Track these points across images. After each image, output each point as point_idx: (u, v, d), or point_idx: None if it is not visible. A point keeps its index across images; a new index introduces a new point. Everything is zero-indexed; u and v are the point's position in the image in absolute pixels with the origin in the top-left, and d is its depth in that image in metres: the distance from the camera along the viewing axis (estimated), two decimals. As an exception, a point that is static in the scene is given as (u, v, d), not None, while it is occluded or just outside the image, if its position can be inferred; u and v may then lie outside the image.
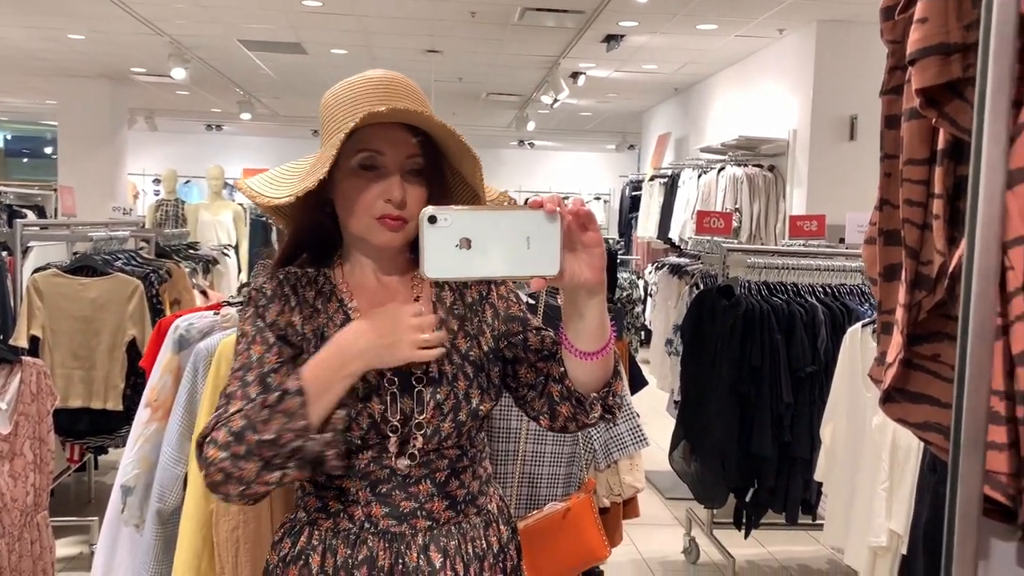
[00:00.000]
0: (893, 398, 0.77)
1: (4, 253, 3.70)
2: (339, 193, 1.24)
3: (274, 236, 7.16)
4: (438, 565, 1.23)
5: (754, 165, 6.57)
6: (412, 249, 1.32)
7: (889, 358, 0.76)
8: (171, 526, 1.76)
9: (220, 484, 1.13)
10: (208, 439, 1.15)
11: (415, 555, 1.23)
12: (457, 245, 0.98)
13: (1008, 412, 0.61)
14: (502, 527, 1.35)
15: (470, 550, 1.27)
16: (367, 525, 1.23)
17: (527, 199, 1.08)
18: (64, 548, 3.63)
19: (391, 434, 1.22)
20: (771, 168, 6.53)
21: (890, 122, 0.79)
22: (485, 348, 1.30)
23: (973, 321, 0.55)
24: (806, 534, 4.05)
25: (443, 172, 1.29)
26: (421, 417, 1.23)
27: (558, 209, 1.01)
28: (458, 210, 0.99)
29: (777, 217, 6.37)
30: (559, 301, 2.21)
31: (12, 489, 2.36)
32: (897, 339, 0.75)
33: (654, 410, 5.74)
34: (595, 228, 1.05)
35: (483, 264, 0.99)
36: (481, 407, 1.26)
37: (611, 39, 7.07)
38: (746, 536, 3.50)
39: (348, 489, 1.24)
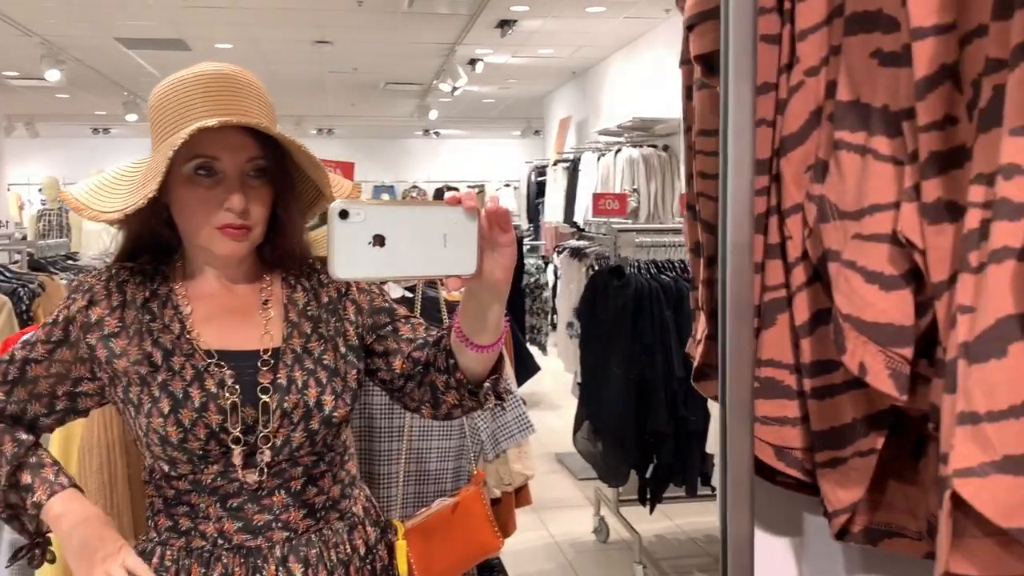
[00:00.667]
0: (705, 374, 0.75)
1: None
2: (175, 201, 1.17)
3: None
4: (299, 575, 1.18)
5: (649, 146, 6.64)
6: (258, 253, 1.26)
7: (696, 335, 0.74)
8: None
9: None
10: None
11: (273, 568, 1.18)
12: (370, 243, 0.90)
13: (798, 386, 0.59)
14: (368, 528, 1.31)
15: (333, 556, 1.23)
16: (220, 541, 1.18)
17: (442, 193, 1.01)
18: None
19: (233, 446, 1.16)
20: (665, 148, 6.62)
21: (687, 93, 0.77)
22: (343, 350, 1.25)
23: (730, 294, 0.53)
24: (711, 504, 4.13)
25: (288, 172, 1.22)
26: (267, 429, 1.17)
27: (477, 206, 0.96)
28: (371, 205, 0.91)
29: (674, 196, 6.46)
30: (437, 292, 2.16)
31: None
32: (701, 315, 0.73)
33: (566, 392, 5.77)
34: (511, 229, 1.00)
35: (397, 263, 0.92)
36: (335, 414, 1.21)
37: (504, 24, 7.05)
38: (651, 511, 3.54)
39: (198, 505, 1.18)
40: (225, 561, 1.17)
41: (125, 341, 1.18)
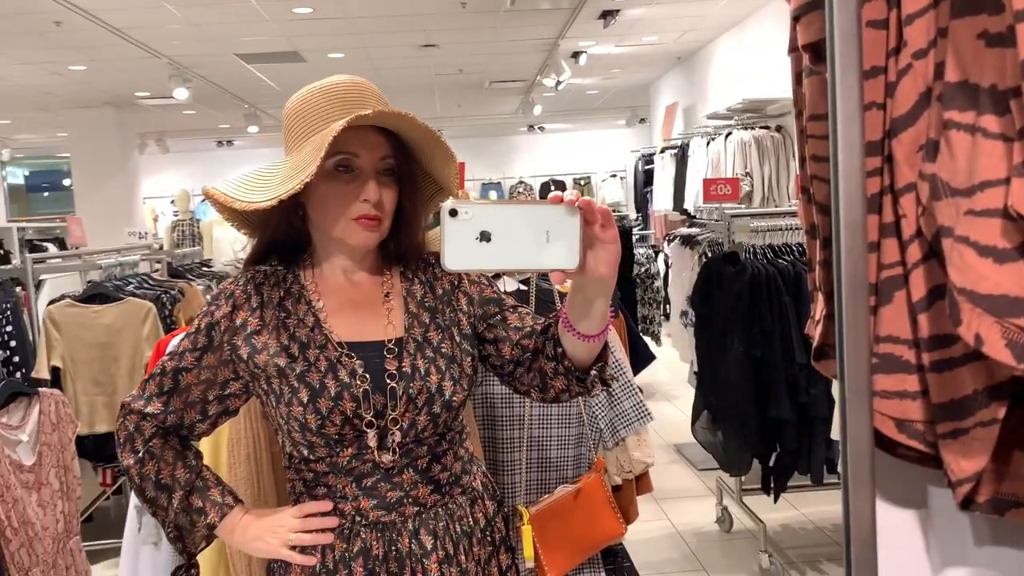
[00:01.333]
0: (825, 354, 0.76)
1: (18, 288, 3.78)
2: (314, 196, 1.27)
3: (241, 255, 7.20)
4: (429, 547, 1.28)
5: (761, 127, 6.49)
6: (382, 248, 1.36)
7: (815, 315, 0.76)
8: (184, 541, 1.79)
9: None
10: (125, 440, 1.34)
11: (407, 540, 1.27)
12: (477, 238, 0.99)
13: (917, 360, 0.60)
14: (488, 502, 1.39)
15: (458, 528, 1.32)
16: (358, 518, 1.28)
17: (548, 188, 1.08)
18: (107, 571, 3.72)
19: (367, 429, 1.25)
20: (778, 128, 6.45)
21: (798, 79, 0.78)
22: (458, 338, 1.34)
23: (845, 273, 0.55)
24: (837, 493, 4.02)
25: (413, 171, 1.32)
26: (395, 412, 1.26)
27: (578, 204, 1.01)
28: (478, 204, 1.00)
29: (788, 177, 6.29)
30: (551, 284, 2.21)
31: (42, 518, 2.42)
32: (819, 296, 0.74)
33: (682, 382, 5.73)
34: (613, 226, 1.06)
35: (503, 256, 1.00)
36: (454, 398, 1.29)
37: (607, 15, 7.02)
38: (775, 500, 3.49)
39: (335, 486, 1.29)
40: (364, 536, 1.27)
41: (265, 337, 1.29)
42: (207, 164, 14.80)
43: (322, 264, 1.35)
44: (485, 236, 0.98)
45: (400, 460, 1.28)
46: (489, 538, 1.37)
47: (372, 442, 1.26)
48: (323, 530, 1.28)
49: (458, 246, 0.99)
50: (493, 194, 14.44)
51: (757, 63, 7.27)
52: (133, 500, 1.90)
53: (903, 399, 0.61)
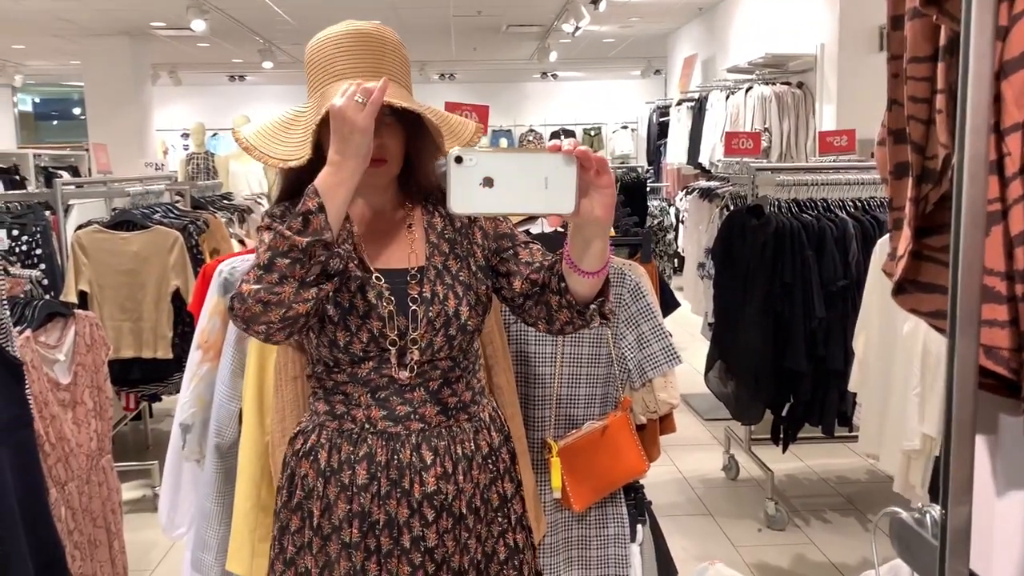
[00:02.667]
0: (905, 289, 0.80)
1: (47, 212, 3.81)
2: (328, 141, 1.31)
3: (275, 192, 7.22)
4: (428, 462, 1.38)
5: (782, 83, 6.45)
6: (399, 183, 1.45)
7: (900, 251, 0.79)
8: (230, 459, 1.86)
9: (260, 315, 1.22)
10: (238, 288, 1.25)
11: (408, 452, 1.37)
12: (480, 183, 1.07)
13: (1008, 292, 0.64)
14: (493, 433, 1.48)
15: (459, 450, 1.41)
16: (367, 426, 1.38)
17: (557, 137, 1.15)
18: (127, 492, 3.81)
19: (390, 347, 1.36)
20: (800, 85, 6.42)
21: (896, 23, 0.81)
22: (474, 268, 1.44)
23: (965, 202, 0.58)
24: (844, 446, 4.12)
25: (418, 118, 1.37)
26: (415, 333, 1.36)
27: (575, 153, 1.09)
28: (482, 151, 1.08)
29: (807, 135, 6.28)
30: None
31: (77, 435, 2.49)
32: (906, 232, 0.78)
33: (690, 335, 5.79)
34: (608, 173, 1.15)
35: (504, 201, 1.08)
36: (469, 322, 1.40)
37: (631, -39, 6.92)
38: (784, 450, 3.57)
39: (351, 394, 1.39)
40: (370, 442, 1.38)
41: None
42: (219, 98, 14.69)
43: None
44: (488, 182, 1.07)
45: (414, 378, 1.38)
46: (492, 465, 1.46)
47: (393, 359, 1.36)
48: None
49: (463, 191, 1.07)
50: (504, 141, 14.38)
51: (781, 18, 7.18)
52: (177, 418, 1.96)
53: (992, 327, 0.65)
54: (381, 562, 1.37)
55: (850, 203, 3.37)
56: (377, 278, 1.38)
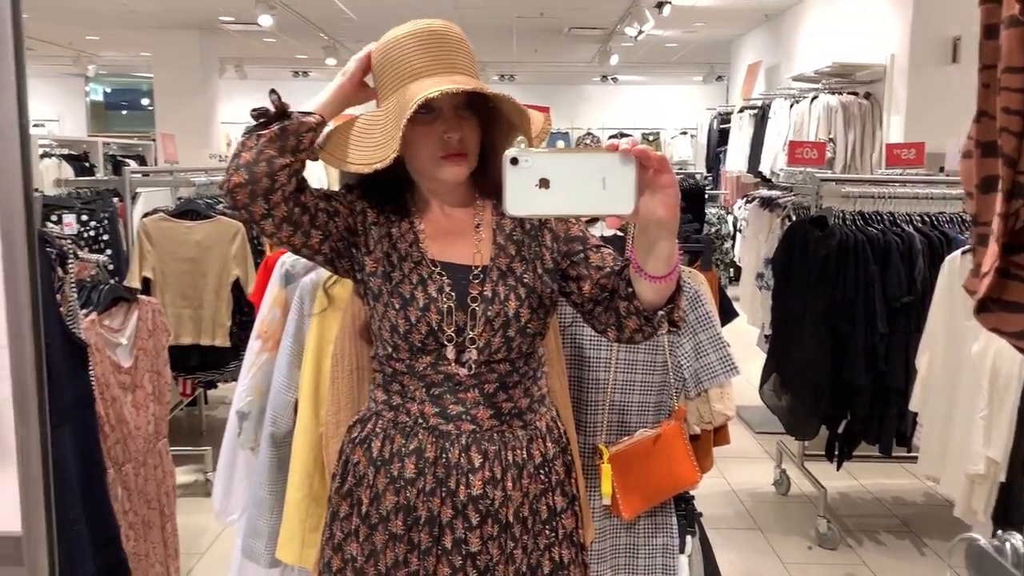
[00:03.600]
0: (988, 308, 0.77)
1: (115, 199, 3.91)
2: (404, 140, 1.34)
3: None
4: (476, 464, 1.37)
5: (849, 93, 6.31)
6: (471, 180, 1.44)
7: (984, 268, 0.77)
8: (284, 448, 1.88)
9: (238, 184, 1.26)
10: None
11: (456, 452, 1.37)
12: (536, 185, 1.04)
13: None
14: (548, 444, 1.46)
15: (509, 457, 1.39)
16: (420, 420, 1.39)
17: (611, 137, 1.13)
18: (181, 476, 3.89)
19: (447, 343, 1.35)
20: (867, 95, 6.27)
21: (989, 32, 0.78)
22: (540, 271, 1.42)
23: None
24: (900, 466, 4.01)
25: (493, 110, 1.39)
26: (474, 332, 1.36)
27: (632, 152, 1.06)
28: (538, 152, 1.06)
29: (873, 146, 6.14)
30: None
31: (135, 418, 2.55)
32: (993, 248, 0.75)
33: (745, 345, 5.71)
34: (669, 172, 1.11)
35: (561, 202, 1.06)
36: (529, 325, 1.38)
37: (697, -34, 6.85)
38: (838, 468, 3.49)
39: (408, 387, 1.40)
40: (420, 437, 1.38)
41: (377, 233, 1.41)
42: (283, 94, 14.80)
43: (421, 198, 1.45)
44: (544, 183, 1.04)
45: (470, 378, 1.37)
46: (543, 476, 1.44)
47: (450, 355, 1.36)
48: None
49: (519, 192, 1.05)
50: (561, 143, 14.35)
51: (850, 27, 7.04)
52: (234, 405, 1.99)
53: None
54: (420, 557, 1.37)
55: (918, 217, 3.28)
56: (439, 273, 1.39)
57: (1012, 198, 0.75)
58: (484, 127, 1.40)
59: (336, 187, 1.51)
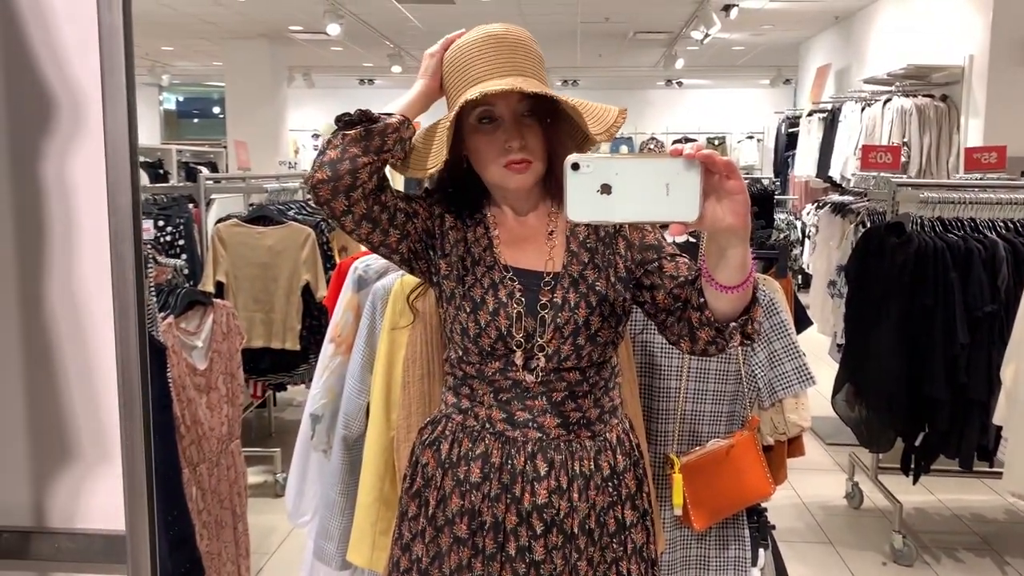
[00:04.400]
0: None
1: (190, 205, 4.01)
2: (470, 150, 1.37)
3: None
4: (542, 472, 1.36)
5: (924, 95, 6.13)
6: (543, 186, 1.43)
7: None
8: (356, 451, 1.89)
9: (320, 181, 1.29)
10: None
11: (522, 459, 1.36)
12: (598, 191, 1.02)
13: None
14: (618, 456, 1.43)
15: (576, 467, 1.38)
16: (487, 425, 1.39)
17: (676, 141, 1.10)
18: (251, 477, 3.96)
19: (516, 348, 1.35)
20: (943, 98, 6.09)
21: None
22: (613, 279, 1.39)
23: None
24: (980, 482, 3.86)
25: (558, 112, 1.36)
26: (543, 339, 1.35)
27: (697, 156, 1.03)
28: (599, 158, 1.03)
29: (950, 151, 5.95)
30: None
31: (209, 419, 2.60)
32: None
33: (815, 355, 5.57)
34: (737, 176, 1.07)
35: (623, 208, 1.03)
36: (600, 334, 1.36)
37: (766, -32, 6.75)
38: (915, 482, 3.38)
39: (477, 391, 1.40)
40: (487, 442, 1.38)
41: (453, 238, 1.41)
42: (348, 101, 14.95)
43: (495, 202, 1.45)
44: (606, 188, 1.02)
45: (539, 386, 1.36)
46: (612, 489, 1.41)
47: (519, 360, 1.35)
48: None
49: (580, 198, 1.03)
50: (624, 149, 14.28)
51: (925, 27, 6.85)
52: (308, 408, 2.02)
53: None
54: (485, 563, 1.37)
55: (1001, 224, 3.16)
56: (511, 278, 1.38)
57: None
58: (553, 130, 1.38)
59: (400, 189, 1.52)
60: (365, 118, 1.31)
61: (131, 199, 0.81)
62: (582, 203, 1.03)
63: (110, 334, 0.77)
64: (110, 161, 0.76)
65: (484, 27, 1.36)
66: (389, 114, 1.34)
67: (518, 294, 1.36)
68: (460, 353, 1.40)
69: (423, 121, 1.50)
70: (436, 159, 1.32)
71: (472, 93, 1.26)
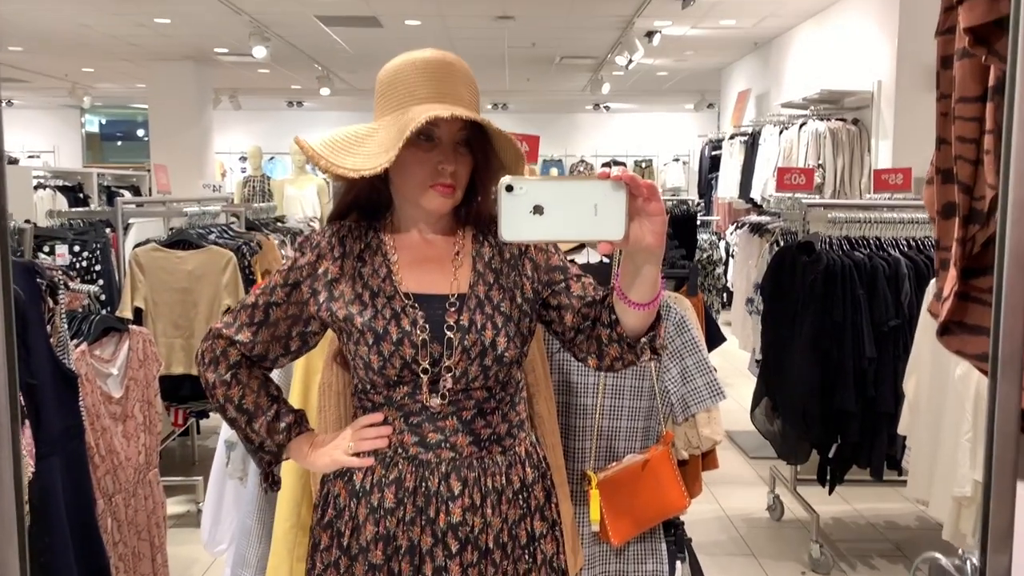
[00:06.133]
0: (950, 330, 0.79)
1: (108, 230, 3.92)
2: (397, 162, 1.33)
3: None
4: (456, 492, 1.37)
5: (837, 119, 6.39)
6: (456, 212, 1.45)
7: (945, 292, 0.78)
8: (272, 477, 1.88)
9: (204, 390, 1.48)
10: (210, 360, 1.47)
11: (436, 481, 1.38)
12: (531, 211, 1.07)
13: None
14: (527, 469, 1.46)
15: (488, 483, 1.40)
16: (400, 450, 1.39)
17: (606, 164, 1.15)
18: (172, 507, 3.87)
19: (422, 375, 1.36)
20: (855, 121, 6.35)
21: (945, 63, 0.81)
22: (519, 300, 1.42)
23: (1009, 244, 0.58)
24: (893, 490, 4.00)
25: (487, 146, 1.40)
26: (450, 361, 1.36)
27: (623, 179, 1.09)
28: (532, 180, 1.08)
29: (862, 172, 6.19)
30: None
31: (126, 448, 2.54)
32: (952, 273, 0.77)
33: (737, 370, 5.72)
34: (658, 199, 1.13)
35: (554, 228, 1.09)
36: (506, 354, 1.38)
37: (687, -5, 6.94)
38: (830, 492, 3.49)
39: (387, 417, 1.41)
40: (400, 467, 1.39)
41: (343, 285, 1.41)
42: (276, 123, 15.03)
43: (400, 223, 1.46)
44: (538, 209, 1.07)
45: (447, 407, 1.37)
46: (523, 502, 1.44)
47: (426, 384, 1.37)
48: (378, 437, 1.42)
49: (513, 218, 1.08)
50: (554, 171, 14.45)
51: (837, 54, 7.13)
52: (223, 435, 2.00)
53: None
54: None
55: (904, 242, 3.31)
56: (412, 306, 1.38)
57: (969, 223, 0.77)
58: (480, 160, 1.40)
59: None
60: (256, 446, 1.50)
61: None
62: (515, 223, 1.08)
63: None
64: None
65: (432, 49, 1.38)
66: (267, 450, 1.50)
67: (421, 321, 1.37)
68: (368, 387, 1.41)
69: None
70: (375, 161, 1.29)
71: (439, 112, 1.27)
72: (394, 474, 1.39)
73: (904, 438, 2.82)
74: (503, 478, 1.41)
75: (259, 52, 7.96)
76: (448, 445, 1.38)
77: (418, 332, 1.36)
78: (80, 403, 2.27)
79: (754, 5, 7.41)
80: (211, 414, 4.16)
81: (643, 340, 1.30)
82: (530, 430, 1.54)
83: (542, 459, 1.52)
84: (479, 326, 1.37)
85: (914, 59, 5.88)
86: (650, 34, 8.48)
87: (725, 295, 7.18)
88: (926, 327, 2.61)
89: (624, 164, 14.67)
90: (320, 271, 1.41)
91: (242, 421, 1.47)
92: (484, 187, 1.43)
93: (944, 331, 0.80)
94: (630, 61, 8.86)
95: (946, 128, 0.81)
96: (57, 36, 8.73)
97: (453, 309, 1.39)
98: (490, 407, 1.41)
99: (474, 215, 1.46)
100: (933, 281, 2.61)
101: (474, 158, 1.39)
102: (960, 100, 0.76)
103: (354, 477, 1.42)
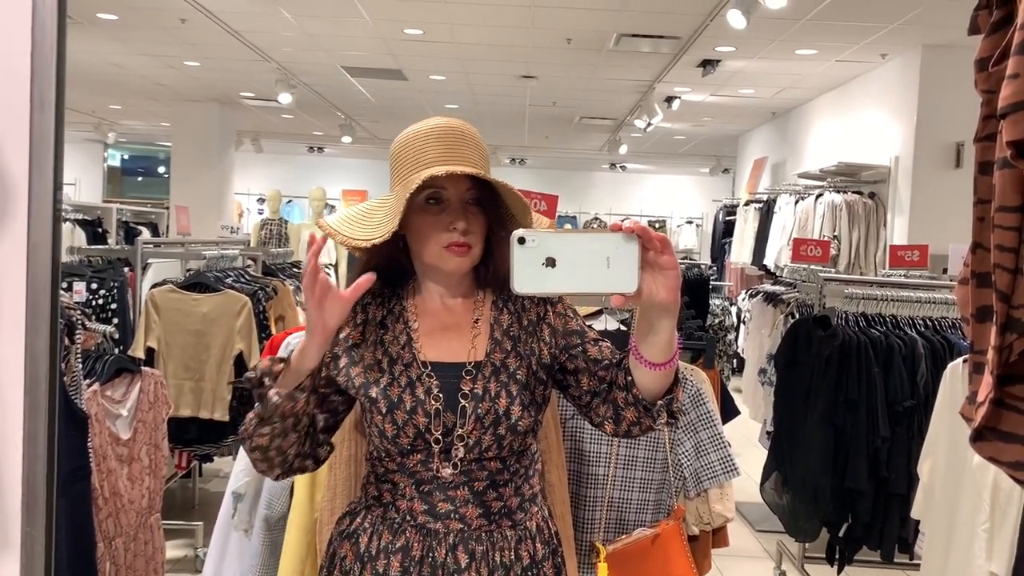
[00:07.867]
0: (984, 436, 0.78)
1: (126, 269, 3.95)
2: (411, 228, 1.39)
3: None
4: (463, 564, 1.35)
5: (854, 192, 6.42)
6: (476, 275, 1.46)
7: (980, 397, 0.78)
8: (277, 532, 1.86)
9: (260, 463, 1.36)
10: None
11: (443, 552, 1.35)
12: (543, 264, 1.08)
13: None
14: (538, 545, 1.43)
15: (497, 558, 1.37)
16: (408, 518, 1.37)
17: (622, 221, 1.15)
18: (171, 551, 3.82)
19: (435, 445, 1.35)
20: (872, 195, 6.38)
21: (984, 168, 0.81)
22: (535, 367, 1.42)
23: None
24: (902, 572, 3.92)
25: (499, 203, 1.41)
26: (463, 430, 1.35)
27: (636, 232, 1.09)
28: (544, 233, 1.09)
29: (877, 246, 6.21)
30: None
31: (130, 491, 2.53)
32: (988, 379, 0.76)
33: (747, 440, 5.65)
34: (671, 253, 1.13)
35: (566, 281, 1.08)
36: (520, 423, 1.37)
37: (707, 64, 7.05)
38: (839, 572, 3.42)
39: (398, 484, 1.39)
40: (408, 534, 1.37)
41: (363, 350, 1.41)
42: (297, 168, 15.21)
43: (422, 290, 1.47)
44: (550, 262, 1.07)
45: (459, 477, 1.36)
46: None
47: (438, 453, 1.35)
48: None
49: (526, 271, 1.08)
50: (568, 226, 14.48)
51: (855, 128, 7.21)
52: (230, 486, 1.98)
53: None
54: None
55: (920, 321, 3.30)
56: (428, 375, 1.38)
57: (1006, 331, 0.76)
58: (493, 219, 1.42)
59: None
60: (257, 383, 1.33)
61: (51, 266, 0.80)
62: (528, 276, 1.08)
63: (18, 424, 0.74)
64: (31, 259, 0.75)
65: (439, 118, 1.41)
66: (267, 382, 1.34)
67: (435, 390, 1.36)
68: (381, 453, 1.40)
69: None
70: (382, 230, 1.34)
71: (435, 170, 1.30)
72: (401, 541, 1.36)
73: (917, 522, 2.77)
74: (512, 553, 1.39)
75: (285, 99, 8.10)
76: (457, 516, 1.36)
77: (432, 401, 1.35)
78: (88, 444, 2.27)
79: (773, 76, 7.52)
80: (215, 458, 4.13)
81: (660, 403, 1.29)
82: (543, 504, 1.52)
83: (554, 534, 1.50)
84: (493, 394, 1.37)
85: (932, 138, 5.94)
86: (670, 99, 8.60)
87: (735, 361, 7.15)
88: (943, 410, 2.58)
89: (635, 218, 14.72)
90: (341, 336, 1.42)
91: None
92: (501, 244, 1.43)
93: (978, 437, 0.79)
94: (649, 124, 8.97)
95: (983, 233, 0.82)
96: (89, 74, 8.91)
97: (469, 377, 1.39)
98: (503, 479, 1.39)
99: (492, 276, 1.46)
100: (952, 365, 2.60)
101: (487, 217, 1.40)
102: (1000, 209, 0.76)
103: (360, 540, 1.40)
